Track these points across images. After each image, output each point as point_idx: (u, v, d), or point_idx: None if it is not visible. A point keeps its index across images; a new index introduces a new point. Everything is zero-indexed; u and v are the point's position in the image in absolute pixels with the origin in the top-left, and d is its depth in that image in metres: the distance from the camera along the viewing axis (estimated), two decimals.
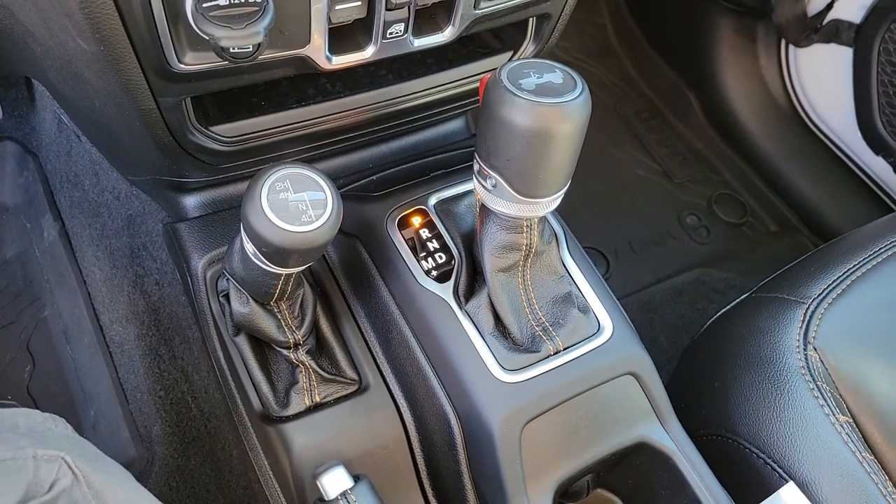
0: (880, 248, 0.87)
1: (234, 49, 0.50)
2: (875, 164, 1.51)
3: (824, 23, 1.44)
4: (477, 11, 0.65)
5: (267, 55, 0.57)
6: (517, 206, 0.61)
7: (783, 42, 1.57)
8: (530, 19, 0.74)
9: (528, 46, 0.78)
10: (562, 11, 0.74)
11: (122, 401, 1.07)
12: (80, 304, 1.17)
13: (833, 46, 1.46)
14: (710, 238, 1.59)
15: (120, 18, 0.51)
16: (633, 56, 1.85)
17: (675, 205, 1.64)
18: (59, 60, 0.59)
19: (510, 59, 0.74)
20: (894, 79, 1.36)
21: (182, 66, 0.55)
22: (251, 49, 0.50)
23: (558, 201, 0.62)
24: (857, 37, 1.41)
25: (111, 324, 1.11)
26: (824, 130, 1.59)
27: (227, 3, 0.48)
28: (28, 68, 0.75)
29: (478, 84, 0.65)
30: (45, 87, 0.81)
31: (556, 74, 0.57)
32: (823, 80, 1.55)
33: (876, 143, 1.46)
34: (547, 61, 0.58)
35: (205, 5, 0.48)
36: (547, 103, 0.54)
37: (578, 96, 0.55)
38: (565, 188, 0.61)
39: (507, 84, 0.55)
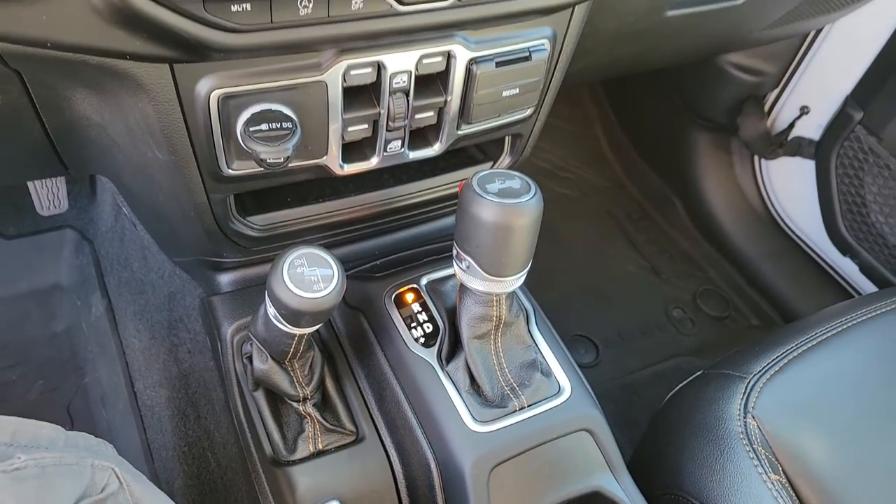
0: (817, 332, 1.00)
1: (270, 160, 0.67)
2: (843, 264, 1.64)
3: (788, 139, 1.62)
4: (459, 132, 0.83)
5: (294, 164, 0.75)
6: (487, 284, 0.76)
7: (755, 154, 1.76)
8: (506, 137, 0.93)
9: (506, 158, 0.96)
10: (531, 132, 0.93)
11: (149, 458, 1.20)
12: (118, 371, 1.32)
13: (798, 159, 1.64)
14: (695, 330, 1.72)
15: (188, 137, 0.69)
16: (623, 164, 2.05)
17: (663, 299, 1.78)
18: (137, 165, 0.78)
19: (490, 169, 0.92)
20: (851, 188, 1.53)
21: (230, 171, 0.73)
22: (283, 160, 0.68)
23: (521, 280, 0.77)
24: (817, 152, 1.59)
25: (145, 389, 1.26)
26: (797, 233, 1.74)
27: (267, 127, 0.66)
28: (104, 170, 0.93)
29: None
30: (115, 184, 1.00)
31: (515, 181, 0.73)
32: (793, 188, 1.71)
33: (842, 245, 1.60)
34: (509, 171, 0.75)
35: (251, 129, 0.67)
36: (506, 203, 0.70)
37: (532, 198, 0.71)
38: (526, 270, 0.76)
39: (477, 188, 0.72)
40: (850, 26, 1.47)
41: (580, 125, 2.10)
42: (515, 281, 0.77)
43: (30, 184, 1.37)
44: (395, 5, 0.62)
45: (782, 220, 1.77)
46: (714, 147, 1.81)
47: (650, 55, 1.22)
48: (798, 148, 1.63)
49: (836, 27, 1.49)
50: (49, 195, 1.40)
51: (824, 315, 1.06)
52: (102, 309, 1.39)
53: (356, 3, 0.60)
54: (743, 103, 1.65)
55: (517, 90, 0.81)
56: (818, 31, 1.53)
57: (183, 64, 0.63)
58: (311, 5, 0.59)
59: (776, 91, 1.65)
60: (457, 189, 0.92)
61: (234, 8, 0.56)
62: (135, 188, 0.87)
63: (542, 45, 0.79)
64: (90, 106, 0.70)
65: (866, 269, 1.57)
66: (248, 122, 0.67)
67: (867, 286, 1.60)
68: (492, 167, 0.97)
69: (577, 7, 0.80)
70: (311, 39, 0.63)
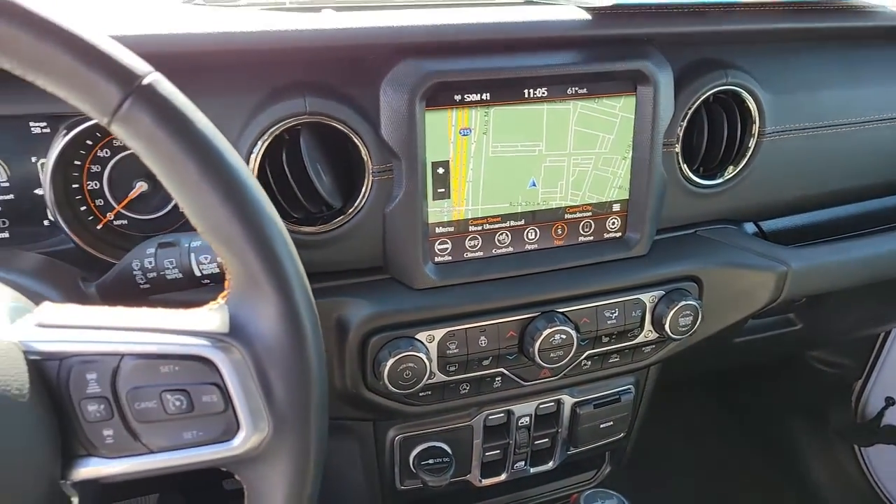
0: None
1: (432, 484, 0.95)
2: None
3: (880, 427, 1.74)
4: (567, 453, 1.09)
5: (449, 481, 1.03)
6: None
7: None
8: (606, 452, 1.17)
9: (607, 467, 1.19)
10: (626, 449, 1.17)
11: None
12: None
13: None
14: None
15: (377, 466, 0.99)
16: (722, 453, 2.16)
17: None
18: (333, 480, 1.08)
19: (594, 485, 1.15)
20: None
21: (401, 487, 1.01)
22: (442, 485, 0.96)
23: None
24: None
25: None
26: None
27: (433, 462, 0.96)
28: None
29: (570, 493, 1.06)
30: None
31: (612, 500, 0.97)
32: None
33: None
34: (608, 492, 0.98)
35: (420, 462, 0.96)
36: None
37: None
38: None
39: None
40: None
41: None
42: None
43: None
44: (522, 382, 0.93)
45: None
46: (812, 436, 1.93)
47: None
48: (893, 435, 1.73)
49: None
50: None
51: None
52: None
53: (496, 383, 0.92)
54: (830, 394, 1.81)
55: (612, 422, 1.07)
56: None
57: (381, 422, 0.95)
58: (468, 388, 0.91)
59: (860, 381, 1.81)
60: (563, 494, 1.16)
61: (422, 394, 0.89)
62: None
63: (629, 388, 1.07)
64: None
65: None
66: (418, 457, 0.97)
67: None
68: (595, 474, 1.20)
69: (650, 369, 1.09)
70: (466, 404, 0.94)
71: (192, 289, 0.65)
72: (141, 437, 0.49)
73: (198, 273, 0.63)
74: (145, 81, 0.44)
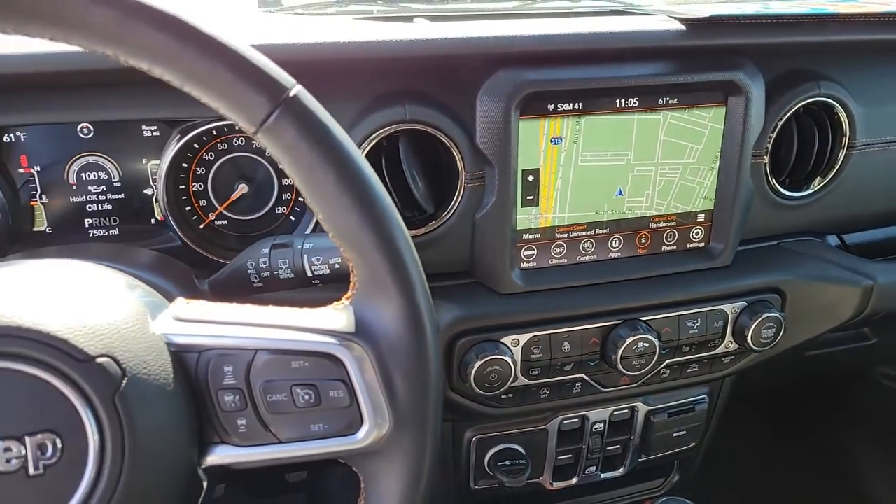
0: None
1: (507, 484, 0.97)
2: None
3: None
4: (639, 460, 1.09)
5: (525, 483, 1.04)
6: None
7: None
8: (675, 461, 1.17)
9: (675, 475, 1.19)
10: (697, 458, 1.16)
11: None
12: None
13: None
14: None
15: (452, 465, 1.01)
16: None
17: None
18: None
19: (663, 493, 1.15)
20: None
21: (475, 486, 1.03)
22: (518, 486, 0.97)
23: None
24: None
25: None
26: None
27: (509, 464, 0.97)
28: None
29: (638, 499, 1.06)
30: None
31: None
32: None
33: None
34: (683, 499, 0.98)
35: (498, 463, 0.98)
36: None
37: None
38: None
39: None
40: None
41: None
42: None
43: None
44: (601, 389, 0.94)
45: None
46: (877, 454, 1.88)
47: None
48: None
49: None
50: None
51: None
52: None
53: (576, 388, 0.93)
54: None
55: (685, 432, 1.07)
56: None
57: (460, 422, 0.97)
58: (548, 392, 0.92)
59: None
60: (636, 499, 1.16)
61: (503, 396, 0.90)
62: None
63: (703, 398, 1.07)
64: None
65: None
66: (494, 458, 0.99)
67: None
68: (663, 482, 1.20)
69: (725, 380, 1.08)
70: (544, 408, 0.96)
71: (300, 288, 0.68)
72: (271, 427, 0.52)
73: (309, 274, 0.66)
74: (291, 94, 0.47)
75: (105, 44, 0.44)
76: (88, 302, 0.50)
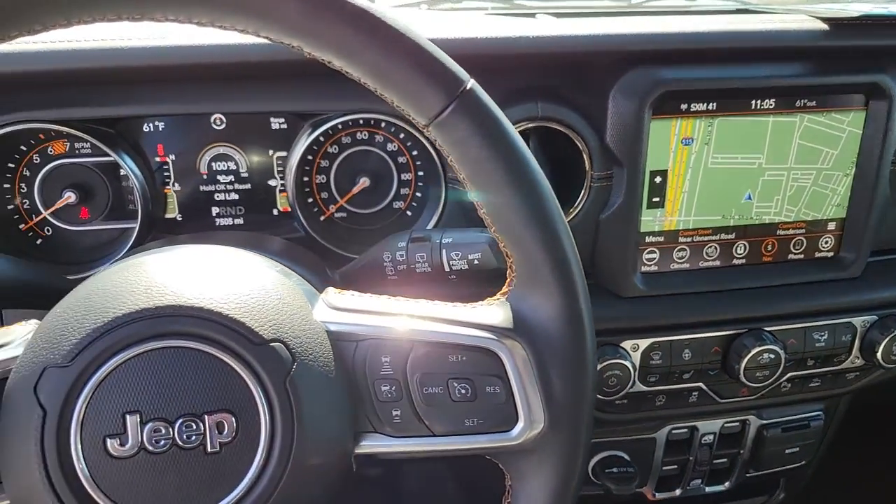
0: None
1: (616, 491, 0.95)
2: None
3: None
4: (746, 475, 1.05)
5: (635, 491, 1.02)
6: None
7: None
8: (781, 479, 1.12)
9: (780, 493, 1.14)
10: (807, 477, 1.11)
11: None
12: None
13: None
14: None
15: None
16: None
17: None
18: None
19: (765, 502, 1.11)
20: None
21: None
22: (626, 492, 0.95)
23: None
24: None
25: None
26: None
27: (616, 470, 0.95)
28: None
29: None
30: None
31: None
32: None
33: None
34: None
35: (605, 470, 0.96)
36: None
37: None
38: None
39: None
40: None
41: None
42: None
43: None
44: (718, 399, 0.91)
45: None
46: None
47: None
48: None
49: None
50: None
51: None
52: None
53: (692, 397, 0.90)
54: None
55: (797, 448, 1.03)
56: None
57: None
58: (663, 400, 0.89)
59: None
60: None
61: (618, 402, 0.88)
62: None
63: (819, 415, 1.02)
64: None
65: None
66: (599, 464, 0.97)
67: None
68: (767, 499, 1.15)
69: (844, 397, 1.03)
70: (657, 416, 0.93)
71: (436, 283, 0.68)
72: (425, 419, 0.52)
73: (447, 268, 0.66)
74: (467, 87, 0.47)
75: (292, 36, 0.44)
76: (256, 287, 0.51)
